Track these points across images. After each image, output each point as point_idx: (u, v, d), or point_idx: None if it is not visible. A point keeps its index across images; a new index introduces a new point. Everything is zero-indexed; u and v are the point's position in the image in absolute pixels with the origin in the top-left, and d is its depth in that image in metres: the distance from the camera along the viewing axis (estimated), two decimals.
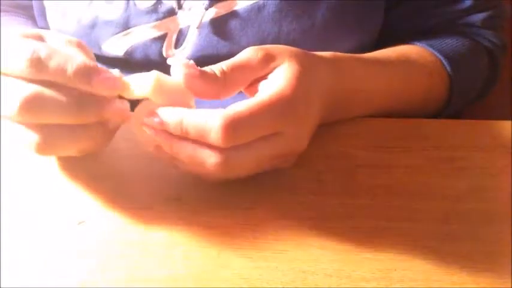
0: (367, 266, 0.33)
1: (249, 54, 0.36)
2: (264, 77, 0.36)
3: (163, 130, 0.33)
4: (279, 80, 0.35)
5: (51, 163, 0.39)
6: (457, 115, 0.57)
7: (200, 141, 0.32)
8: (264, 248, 0.34)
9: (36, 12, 0.54)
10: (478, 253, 0.34)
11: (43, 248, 0.34)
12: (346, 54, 0.42)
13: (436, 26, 0.53)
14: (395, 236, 0.35)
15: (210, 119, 0.32)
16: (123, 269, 0.33)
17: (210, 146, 0.32)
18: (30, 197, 0.37)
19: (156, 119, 0.33)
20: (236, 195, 0.37)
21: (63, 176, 0.39)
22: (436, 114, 0.53)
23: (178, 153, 0.33)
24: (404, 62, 0.48)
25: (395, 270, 0.33)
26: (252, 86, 0.36)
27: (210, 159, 0.32)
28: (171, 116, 0.33)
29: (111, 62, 0.50)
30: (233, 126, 0.32)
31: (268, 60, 0.35)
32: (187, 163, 0.34)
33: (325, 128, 0.42)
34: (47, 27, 0.53)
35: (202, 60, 0.46)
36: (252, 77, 0.36)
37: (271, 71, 0.35)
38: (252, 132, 0.33)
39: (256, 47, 0.36)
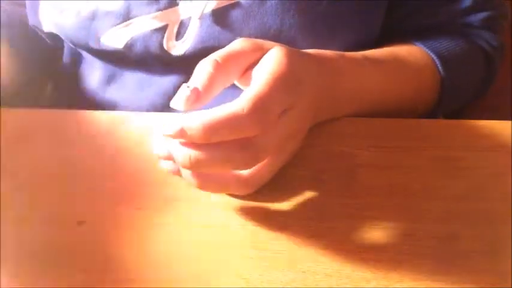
0: (367, 266, 0.33)
1: (240, 43, 0.37)
2: (254, 64, 0.36)
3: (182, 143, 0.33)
4: (272, 60, 0.35)
5: (51, 163, 0.39)
6: (454, 115, 0.57)
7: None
8: (264, 248, 0.34)
9: (28, 8, 0.53)
10: (478, 253, 0.34)
11: (43, 248, 0.34)
12: (334, 52, 0.42)
13: (434, 25, 0.53)
14: (395, 236, 0.35)
15: (235, 109, 0.32)
16: (123, 269, 0.33)
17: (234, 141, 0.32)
18: (30, 197, 0.37)
19: (175, 128, 0.32)
20: (236, 195, 0.37)
21: (63, 176, 0.39)
22: (430, 115, 0.53)
23: (204, 161, 0.32)
24: (393, 60, 0.47)
25: (395, 270, 0.33)
26: (243, 75, 0.37)
27: (238, 151, 0.32)
28: (193, 121, 0.32)
29: (111, 55, 0.49)
30: (259, 107, 0.32)
31: (257, 49, 0.36)
32: (214, 169, 0.34)
33: (325, 128, 0.42)
34: (38, 24, 0.52)
35: (203, 52, 0.46)
36: (246, 64, 0.36)
37: (261, 57, 0.36)
38: (274, 110, 0.33)
39: (245, 38, 0.37)
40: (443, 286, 0.32)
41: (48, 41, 0.55)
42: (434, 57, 0.50)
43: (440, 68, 0.50)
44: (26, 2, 0.54)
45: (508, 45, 0.57)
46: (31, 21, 0.54)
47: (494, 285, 0.32)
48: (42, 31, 0.53)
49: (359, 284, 0.32)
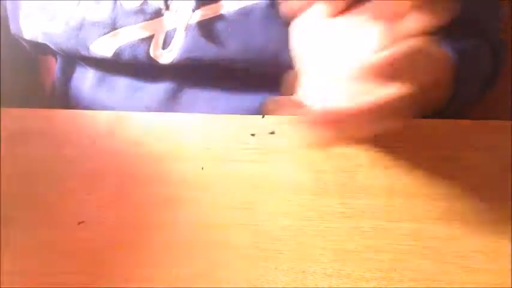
0: (367, 266, 0.33)
1: None
2: None
3: None
4: None
5: (50, 163, 0.39)
6: (453, 116, 0.57)
7: None
8: (264, 248, 0.34)
9: (10, 17, 0.54)
10: (478, 253, 0.34)
11: (43, 248, 0.34)
12: None
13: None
14: (395, 236, 0.35)
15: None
16: (124, 269, 0.33)
17: None
18: (31, 197, 0.37)
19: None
20: (236, 195, 0.37)
21: (63, 176, 0.39)
22: (443, 109, 0.53)
23: None
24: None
25: (395, 270, 0.33)
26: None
27: None
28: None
29: (100, 62, 0.50)
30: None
31: None
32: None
33: None
34: (19, 32, 0.53)
35: (190, 61, 0.46)
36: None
37: None
38: None
39: None
40: (443, 286, 0.32)
41: (28, 48, 0.56)
42: (449, 51, 0.49)
43: (454, 60, 0.50)
44: (8, 11, 0.54)
45: (508, 46, 0.57)
46: (13, 30, 0.54)
47: (494, 285, 0.32)
48: (23, 38, 0.53)
49: (359, 284, 0.32)
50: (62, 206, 0.37)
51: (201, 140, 0.40)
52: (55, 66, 0.59)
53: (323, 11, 0.35)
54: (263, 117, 0.42)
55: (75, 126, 0.43)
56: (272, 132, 0.41)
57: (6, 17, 0.55)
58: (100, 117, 0.43)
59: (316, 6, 0.35)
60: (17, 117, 0.44)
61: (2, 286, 0.32)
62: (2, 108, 0.44)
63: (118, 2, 0.47)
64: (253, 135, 0.41)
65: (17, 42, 0.56)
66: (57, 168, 0.39)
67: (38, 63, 0.63)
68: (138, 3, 0.46)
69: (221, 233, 0.35)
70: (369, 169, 0.39)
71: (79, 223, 0.35)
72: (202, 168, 0.39)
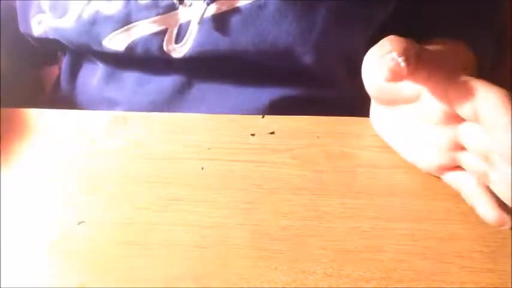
0: (367, 266, 0.33)
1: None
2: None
3: None
4: None
5: (51, 163, 0.40)
6: None
7: None
8: (264, 248, 0.34)
9: (19, 16, 0.54)
10: (478, 253, 0.34)
11: (43, 248, 0.34)
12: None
13: (461, 14, 0.52)
14: (395, 236, 0.35)
15: None
16: (123, 269, 0.33)
17: None
18: (31, 196, 0.37)
19: None
20: (236, 195, 0.37)
21: (63, 176, 0.39)
22: None
23: None
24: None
25: (395, 270, 0.33)
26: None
27: None
28: None
29: (112, 57, 0.50)
30: None
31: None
32: None
33: (325, 128, 0.42)
34: (29, 30, 0.53)
35: (202, 55, 0.46)
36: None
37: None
38: None
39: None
40: (443, 286, 0.32)
41: (38, 46, 0.56)
42: (474, 52, 0.49)
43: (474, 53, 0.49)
44: (17, 9, 0.54)
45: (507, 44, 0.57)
46: (22, 29, 0.54)
47: (494, 285, 0.32)
48: (33, 36, 0.53)
49: (359, 284, 0.32)
50: (62, 206, 0.37)
51: (201, 140, 0.40)
52: (59, 64, 0.59)
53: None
54: (263, 117, 0.42)
55: (75, 126, 0.43)
56: (272, 132, 0.41)
57: (9, 17, 0.55)
58: (100, 117, 0.43)
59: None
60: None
61: (2, 286, 0.32)
62: (2, 108, 0.44)
63: None
64: (253, 135, 0.41)
65: (18, 41, 0.56)
66: (57, 168, 0.39)
67: (39, 63, 0.63)
68: None
69: (221, 233, 0.35)
70: (369, 169, 0.39)
71: (79, 223, 0.35)
72: (202, 168, 0.39)
